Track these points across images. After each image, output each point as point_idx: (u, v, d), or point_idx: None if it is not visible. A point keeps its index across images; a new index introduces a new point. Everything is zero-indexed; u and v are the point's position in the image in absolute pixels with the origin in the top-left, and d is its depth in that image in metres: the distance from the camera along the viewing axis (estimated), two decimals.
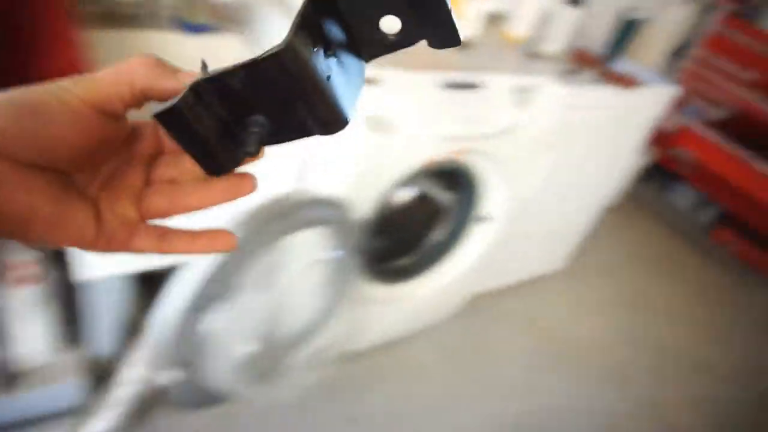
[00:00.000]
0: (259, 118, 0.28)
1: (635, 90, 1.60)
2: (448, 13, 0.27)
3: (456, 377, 1.71)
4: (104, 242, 0.29)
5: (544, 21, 1.65)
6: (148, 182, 0.31)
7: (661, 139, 2.99)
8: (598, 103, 1.54)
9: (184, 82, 0.27)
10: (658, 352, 2.08)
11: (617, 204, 2.94)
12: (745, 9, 2.78)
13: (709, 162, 2.67)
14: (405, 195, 1.59)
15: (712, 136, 2.59)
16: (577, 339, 2.01)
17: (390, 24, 0.28)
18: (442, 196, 1.55)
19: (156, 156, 0.32)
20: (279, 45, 0.25)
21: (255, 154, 0.28)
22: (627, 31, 1.72)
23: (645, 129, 1.82)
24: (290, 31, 0.25)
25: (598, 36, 1.79)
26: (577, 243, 2.17)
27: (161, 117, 0.27)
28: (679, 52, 3.05)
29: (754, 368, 2.17)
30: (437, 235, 1.56)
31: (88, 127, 0.27)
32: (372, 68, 1.08)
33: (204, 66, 0.28)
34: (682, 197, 3.25)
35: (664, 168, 3.13)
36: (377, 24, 0.28)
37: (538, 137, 1.40)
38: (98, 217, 0.29)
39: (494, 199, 1.50)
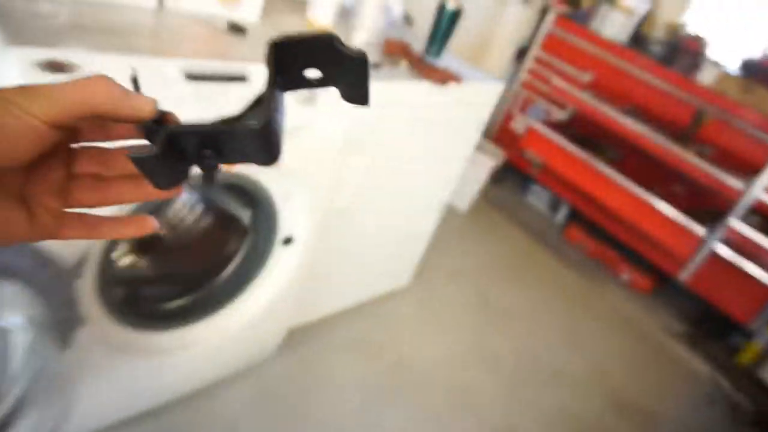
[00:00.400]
0: (213, 154, 0.31)
1: (454, 86, 1.44)
2: (366, 78, 0.34)
3: (277, 428, 1.43)
4: (35, 234, 0.30)
5: (353, 9, 1.45)
6: (71, 175, 0.31)
7: (512, 140, 2.97)
8: (409, 100, 1.36)
9: (140, 109, 0.29)
10: (512, 365, 1.96)
11: (470, 208, 2.86)
12: (576, 12, 2.83)
13: (553, 163, 2.66)
14: (190, 216, 1.29)
15: (555, 137, 2.58)
16: (425, 361, 1.83)
17: (313, 72, 0.35)
18: (242, 213, 1.28)
19: (75, 148, 0.32)
20: (259, 119, 0.30)
21: (208, 184, 0.32)
22: (448, 23, 1.57)
23: (473, 127, 1.68)
24: (268, 106, 0.31)
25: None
26: (422, 254, 2.00)
27: (137, 159, 0.29)
28: (522, 54, 3.06)
29: (605, 371, 2.14)
30: (231, 264, 1.28)
31: (39, 142, 0.27)
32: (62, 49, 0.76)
33: (135, 79, 0.35)
34: (537, 198, 3.27)
35: (518, 169, 3.13)
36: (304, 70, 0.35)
37: (333, 138, 1.18)
38: (29, 212, 0.29)
39: (294, 215, 1.25)
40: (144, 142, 0.31)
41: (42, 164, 0.30)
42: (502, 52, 2.98)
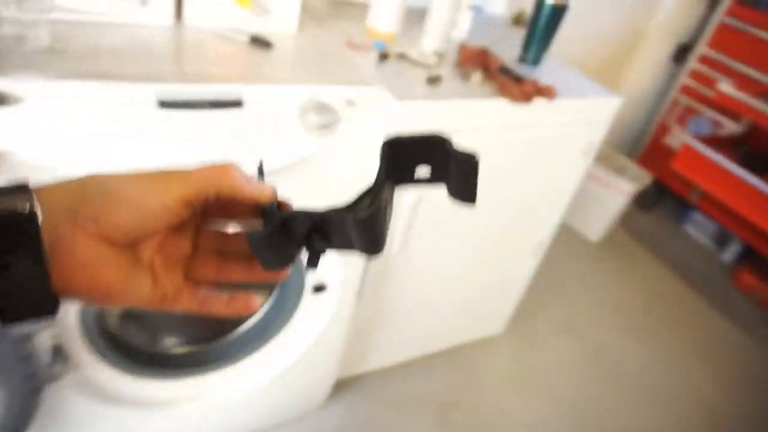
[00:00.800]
0: (321, 239, 0.33)
1: (543, 102, 1.13)
2: (475, 179, 0.34)
3: None
4: (155, 301, 0.32)
5: (424, 13, 1.22)
6: (194, 250, 0.35)
7: (667, 157, 2.44)
8: (478, 123, 1.09)
9: (261, 194, 0.32)
10: None
11: (604, 239, 2.40)
12: None
13: (714, 190, 2.10)
14: None
15: (718, 158, 2.03)
16: (510, 428, 1.51)
17: (424, 169, 0.36)
18: None
19: (200, 226, 0.35)
20: (367, 211, 0.31)
21: (313, 267, 0.34)
22: (549, 23, 1.26)
23: (579, 152, 1.33)
24: (377, 199, 0.32)
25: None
26: (516, 300, 1.67)
27: (252, 238, 0.32)
28: (683, 53, 2.50)
29: None
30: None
31: (172, 218, 0.30)
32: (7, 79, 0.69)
33: (260, 168, 0.36)
34: (699, 229, 2.66)
35: (675, 193, 2.57)
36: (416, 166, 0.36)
37: (360, 174, 0.96)
38: (155, 281, 0.32)
39: (327, 260, 1.06)
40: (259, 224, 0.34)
41: (172, 238, 0.33)
42: (655, 52, 2.46)
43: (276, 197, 0.33)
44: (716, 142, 2.17)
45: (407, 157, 0.35)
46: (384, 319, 1.37)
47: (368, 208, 0.32)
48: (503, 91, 1.10)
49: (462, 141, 1.09)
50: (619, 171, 2.34)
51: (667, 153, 2.52)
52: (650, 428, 1.62)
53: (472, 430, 1.47)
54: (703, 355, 1.96)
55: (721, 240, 2.58)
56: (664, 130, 2.60)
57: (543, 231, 1.47)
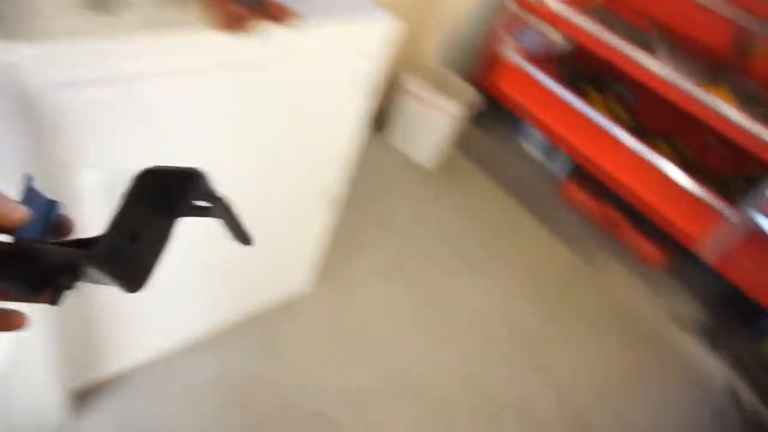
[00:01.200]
0: (68, 274, 0.30)
1: (278, 28, 0.86)
2: (235, 220, 0.35)
3: None
4: None
5: None
6: None
7: (498, 74, 2.31)
8: (185, 60, 0.81)
9: (11, 218, 0.28)
10: (440, 394, 1.49)
11: (439, 164, 2.29)
12: None
13: (536, 108, 2.02)
14: None
15: (537, 75, 1.92)
16: (319, 396, 1.39)
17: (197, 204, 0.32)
18: None
19: None
20: (100, 248, 0.28)
21: (54, 304, 0.31)
22: None
23: (350, 86, 1.10)
24: (109, 233, 0.29)
25: None
26: (316, 255, 1.48)
27: None
28: None
29: (576, 386, 1.64)
30: None
31: None
32: None
33: (29, 185, 0.30)
34: (532, 143, 2.62)
35: (509, 110, 2.47)
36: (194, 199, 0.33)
37: None
38: None
39: None
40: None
41: None
42: None
43: (26, 220, 0.29)
44: (545, 59, 2.06)
45: (169, 189, 0.32)
46: (137, 305, 1.12)
47: (108, 244, 0.29)
48: (218, 17, 0.81)
49: (189, 87, 0.78)
50: (448, 90, 2.18)
51: (498, 69, 2.39)
52: (476, 376, 1.58)
53: (271, 410, 1.32)
54: (537, 280, 1.93)
55: (552, 154, 2.57)
56: (495, 45, 2.45)
57: (329, 176, 1.26)
